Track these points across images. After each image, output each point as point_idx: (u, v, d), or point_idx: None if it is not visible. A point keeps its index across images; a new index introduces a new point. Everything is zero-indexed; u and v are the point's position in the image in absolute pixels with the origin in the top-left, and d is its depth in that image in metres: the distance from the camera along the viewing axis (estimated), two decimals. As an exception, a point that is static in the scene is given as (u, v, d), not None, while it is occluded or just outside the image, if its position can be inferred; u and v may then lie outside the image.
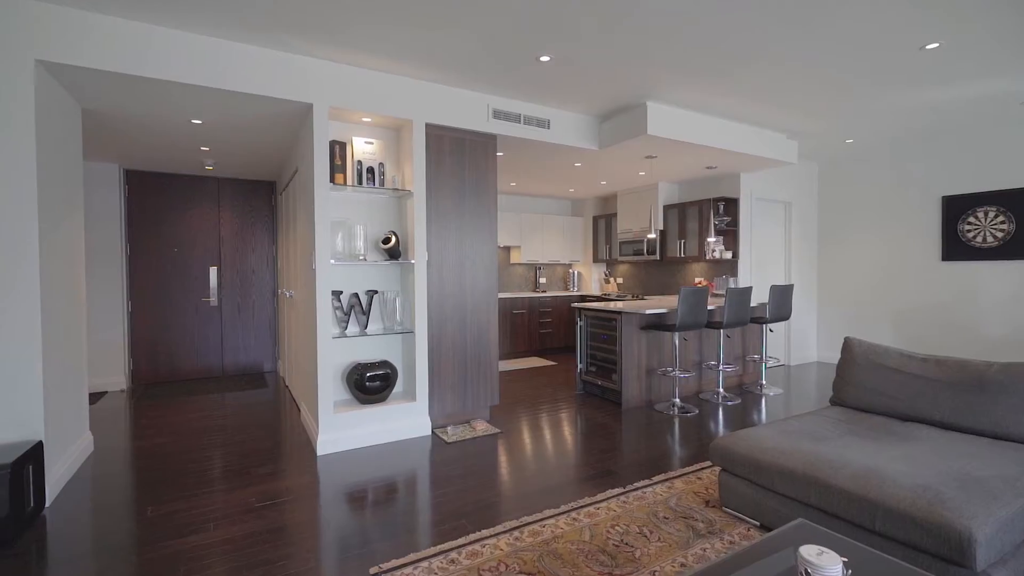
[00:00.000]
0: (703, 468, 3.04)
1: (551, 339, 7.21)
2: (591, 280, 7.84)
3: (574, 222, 7.81)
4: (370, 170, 3.64)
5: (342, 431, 3.42)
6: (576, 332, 4.98)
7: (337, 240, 3.60)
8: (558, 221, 7.63)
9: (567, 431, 3.80)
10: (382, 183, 3.68)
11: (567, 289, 7.95)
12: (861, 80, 3.68)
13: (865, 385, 2.84)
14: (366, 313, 3.72)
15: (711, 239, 5.42)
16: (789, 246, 6.27)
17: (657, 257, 6.38)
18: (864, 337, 5.99)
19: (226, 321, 5.80)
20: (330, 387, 3.37)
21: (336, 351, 3.69)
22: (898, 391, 2.70)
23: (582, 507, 2.54)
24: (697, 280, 5.97)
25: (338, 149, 3.50)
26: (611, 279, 7.59)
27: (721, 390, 4.73)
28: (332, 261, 3.40)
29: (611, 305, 4.68)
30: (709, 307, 4.62)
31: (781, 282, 6.26)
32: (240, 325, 5.88)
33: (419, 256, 3.67)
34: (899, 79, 3.67)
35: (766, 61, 3.35)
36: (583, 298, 7.49)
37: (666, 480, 2.87)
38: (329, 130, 3.60)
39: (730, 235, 5.84)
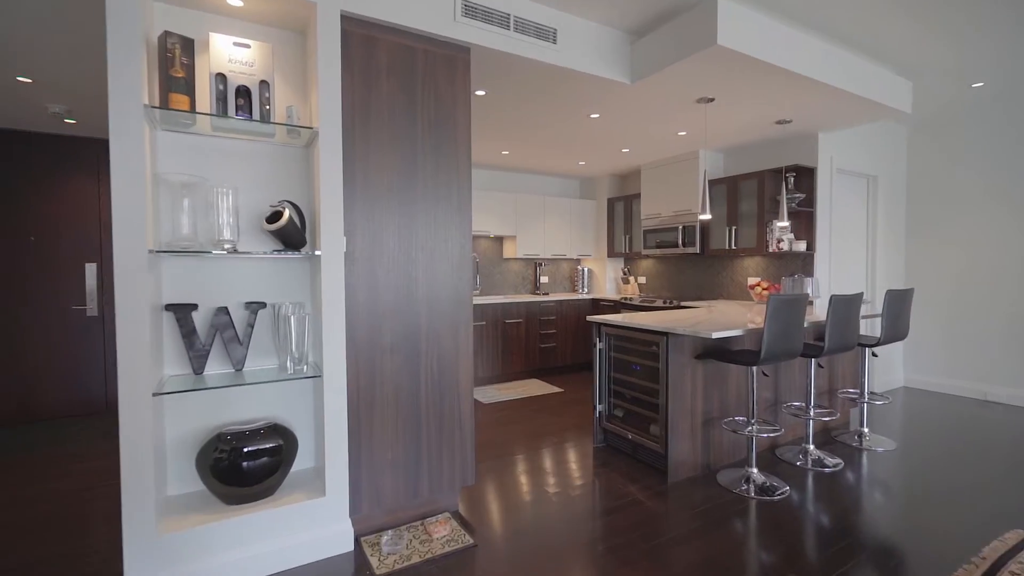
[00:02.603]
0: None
1: (555, 356, 5.64)
2: (605, 280, 6.26)
3: (584, 206, 6.23)
4: (243, 92, 2.07)
5: (179, 565, 1.86)
6: (594, 358, 3.42)
7: (181, 214, 2.03)
8: (564, 204, 6.05)
9: (587, 540, 2.24)
10: (267, 116, 2.11)
11: (575, 291, 6.37)
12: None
13: None
14: (243, 343, 2.17)
15: (780, 223, 3.85)
16: (874, 234, 4.70)
17: (697, 250, 4.80)
18: (972, 356, 4.42)
19: (112, 337, 4.24)
20: (148, 484, 1.81)
21: (177, 411, 2.13)
22: None
23: None
24: (753, 281, 4.41)
25: (178, 50, 1.93)
26: (631, 278, 6.01)
27: (812, 447, 3.18)
28: (151, 248, 1.84)
29: (646, 319, 3.13)
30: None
31: (859, 283, 4.70)
32: (134, 342, 4.31)
33: (330, 242, 2.11)
34: None
35: None
36: (595, 303, 5.91)
37: None
38: (156, 13, 2.04)
39: (802, 218, 4.28)
